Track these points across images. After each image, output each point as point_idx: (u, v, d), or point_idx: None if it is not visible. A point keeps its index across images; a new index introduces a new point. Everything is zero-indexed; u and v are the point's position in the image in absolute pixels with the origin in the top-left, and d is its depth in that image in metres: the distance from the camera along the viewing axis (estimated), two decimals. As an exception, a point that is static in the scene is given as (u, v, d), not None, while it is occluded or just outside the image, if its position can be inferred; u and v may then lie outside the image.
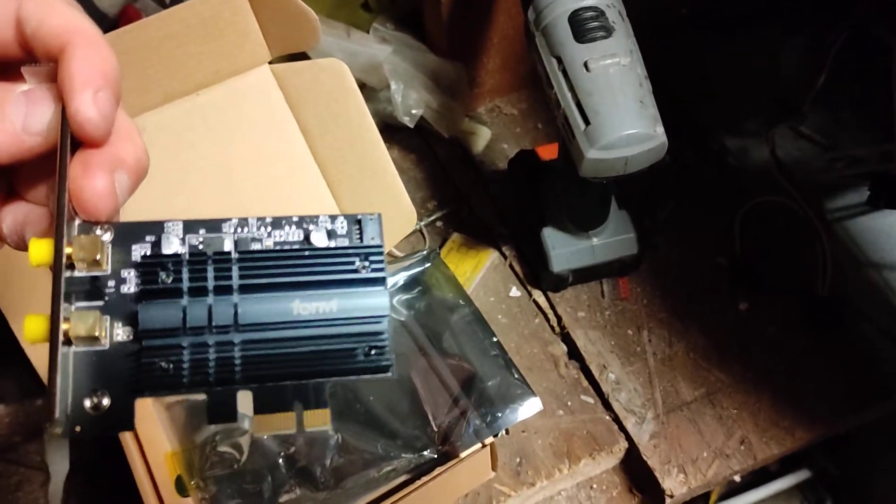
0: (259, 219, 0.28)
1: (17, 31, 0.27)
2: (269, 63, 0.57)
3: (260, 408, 0.26)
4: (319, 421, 0.27)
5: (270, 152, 0.58)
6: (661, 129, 0.52)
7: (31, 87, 0.27)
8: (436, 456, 0.52)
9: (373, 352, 0.27)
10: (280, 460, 0.53)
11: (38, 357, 0.53)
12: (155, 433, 0.54)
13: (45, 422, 0.24)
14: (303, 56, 0.63)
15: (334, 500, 0.51)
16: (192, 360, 0.25)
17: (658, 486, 0.61)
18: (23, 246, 0.29)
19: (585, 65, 0.52)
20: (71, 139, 0.27)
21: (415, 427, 0.54)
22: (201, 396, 0.26)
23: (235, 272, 0.26)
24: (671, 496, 0.61)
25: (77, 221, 0.26)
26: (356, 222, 0.28)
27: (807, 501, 0.91)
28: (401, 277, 0.61)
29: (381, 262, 0.28)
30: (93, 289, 0.26)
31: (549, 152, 0.72)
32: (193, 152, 0.56)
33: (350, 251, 0.28)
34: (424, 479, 0.52)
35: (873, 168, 0.72)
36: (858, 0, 0.75)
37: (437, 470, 0.52)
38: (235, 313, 0.26)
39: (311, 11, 0.54)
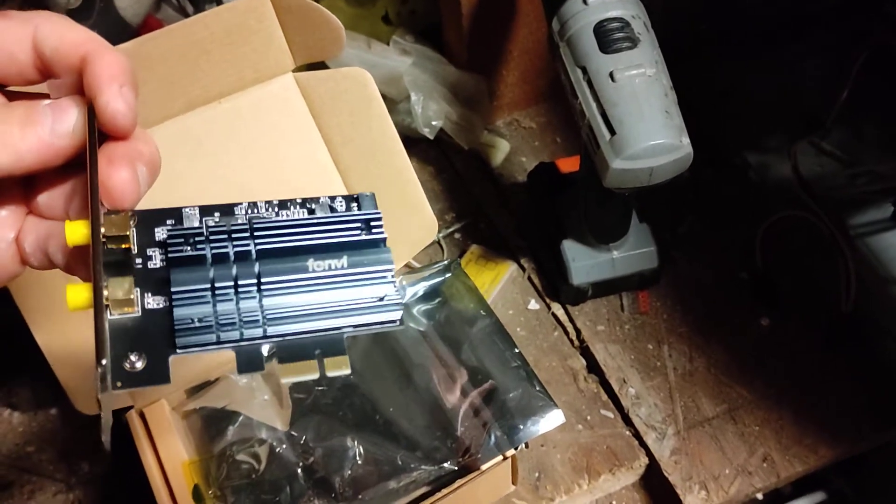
0: (267, 202, 0.31)
1: (35, 54, 0.30)
2: (293, 72, 0.57)
3: (284, 357, 0.29)
4: (339, 366, 0.29)
5: (293, 161, 0.57)
6: (686, 140, 0.51)
7: (55, 101, 0.30)
8: (456, 468, 0.51)
9: (383, 303, 0.30)
10: (299, 471, 0.52)
11: (60, 365, 0.53)
12: (172, 442, 0.54)
13: (98, 385, 0.26)
14: (324, 67, 0.63)
15: (353, 511, 0.50)
16: (221, 321, 0.28)
17: (679, 502, 0.60)
18: (46, 264, 0.32)
19: (611, 75, 0.52)
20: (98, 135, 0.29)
21: (435, 438, 0.53)
22: (229, 354, 0.28)
23: (252, 241, 0.29)
24: (693, 513, 0.60)
25: (103, 210, 0.29)
26: (354, 199, 0.32)
27: (821, 524, 0.89)
28: (421, 287, 0.61)
29: (380, 227, 0.31)
30: (123, 263, 0.28)
31: (569, 165, 0.71)
32: (215, 160, 0.56)
33: (352, 218, 0.31)
34: (444, 491, 0.51)
35: (896, 184, 0.71)
36: (882, 16, 0.74)
37: (457, 482, 0.51)
38: (258, 274, 0.29)
39: (336, 20, 0.54)
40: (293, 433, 0.54)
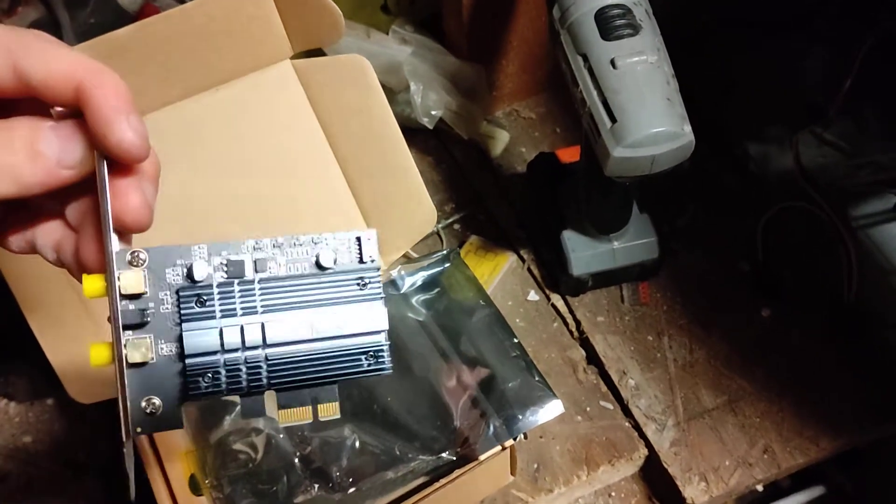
0: (273, 242, 0.32)
1: (19, 84, 0.28)
2: (291, 59, 0.57)
3: (282, 404, 0.32)
4: (331, 412, 0.32)
5: (290, 148, 0.57)
6: (688, 128, 0.51)
7: (57, 123, 0.29)
8: (454, 458, 0.51)
9: (374, 359, 0.32)
10: (296, 461, 0.52)
11: (54, 352, 0.53)
12: (169, 432, 0.53)
13: (121, 434, 0.29)
14: (323, 55, 0.63)
15: (350, 501, 0.50)
16: (228, 374, 0.30)
17: (679, 494, 0.60)
18: (27, 251, 0.32)
19: (612, 62, 0.51)
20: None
21: (433, 429, 0.53)
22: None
23: (258, 296, 0.31)
24: (692, 505, 0.59)
25: (117, 248, 0.30)
26: (356, 240, 0.33)
27: (821, 519, 0.89)
28: (419, 277, 0.60)
29: (377, 281, 0.33)
30: (140, 316, 0.30)
31: (569, 155, 0.71)
32: (213, 148, 0.56)
33: (352, 273, 0.32)
34: (442, 481, 0.51)
35: (899, 175, 0.71)
36: (886, 5, 0.74)
37: (456, 473, 0.51)
38: (263, 333, 0.31)
39: (334, 6, 0.53)
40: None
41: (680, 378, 0.65)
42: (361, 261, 0.33)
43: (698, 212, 0.75)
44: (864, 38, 0.72)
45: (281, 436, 0.53)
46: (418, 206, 0.59)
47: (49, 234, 0.32)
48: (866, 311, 0.67)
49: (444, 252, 0.62)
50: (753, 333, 0.67)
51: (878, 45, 0.72)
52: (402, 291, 0.60)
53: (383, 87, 0.57)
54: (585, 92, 0.52)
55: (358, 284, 0.32)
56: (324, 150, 0.57)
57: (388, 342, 0.32)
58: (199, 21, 0.53)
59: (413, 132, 0.78)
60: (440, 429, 0.53)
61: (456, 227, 0.76)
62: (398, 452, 0.52)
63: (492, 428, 0.52)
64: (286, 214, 0.57)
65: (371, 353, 0.32)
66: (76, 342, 0.53)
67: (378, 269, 0.33)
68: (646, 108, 0.50)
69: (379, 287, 0.33)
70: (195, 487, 0.51)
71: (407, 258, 0.63)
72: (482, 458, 0.51)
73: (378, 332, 0.32)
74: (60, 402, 0.66)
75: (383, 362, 0.32)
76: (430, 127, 0.76)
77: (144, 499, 0.51)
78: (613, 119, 0.51)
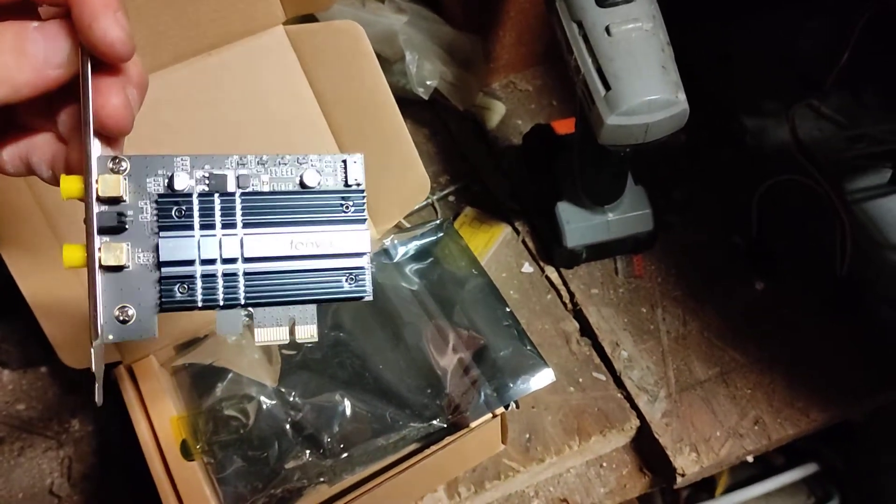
0: (257, 158, 0.32)
1: None
2: (284, 24, 0.56)
3: (260, 322, 0.31)
4: (308, 334, 0.32)
5: (283, 115, 0.57)
6: (682, 96, 0.51)
7: (43, 24, 0.29)
8: (445, 426, 0.51)
9: (354, 281, 0.32)
10: (287, 427, 0.52)
11: (46, 318, 0.52)
12: (160, 397, 0.53)
13: (92, 335, 0.29)
14: (316, 20, 0.62)
15: (341, 467, 0.50)
16: (205, 286, 0.30)
17: (670, 464, 0.60)
18: (24, 172, 0.32)
19: (607, 29, 0.51)
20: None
21: (424, 396, 0.53)
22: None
23: (239, 211, 0.31)
24: (682, 475, 0.60)
25: (97, 153, 0.29)
26: (342, 162, 0.32)
27: (813, 495, 0.89)
28: (412, 247, 0.60)
29: (362, 203, 0.32)
30: (116, 219, 0.30)
31: (564, 126, 0.70)
32: (204, 113, 0.55)
33: (336, 194, 0.32)
34: (433, 448, 0.51)
35: (895, 148, 0.71)
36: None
37: (447, 440, 0.51)
38: (241, 247, 0.31)
39: (328, -30, 0.53)
40: (282, 389, 0.53)
41: (672, 350, 0.65)
42: (346, 184, 0.32)
43: (693, 185, 0.75)
44: (862, 10, 0.71)
45: (273, 402, 0.53)
46: (412, 175, 0.59)
47: (43, 149, 0.32)
48: (860, 285, 0.67)
49: (438, 222, 0.62)
50: (746, 306, 0.67)
51: (875, 18, 0.71)
52: (394, 260, 0.60)
53: (378, 56, 0.57)
54: (580, 59, 0.52)
55: (342, 206, 0.32)
56: (316, 117, 0.57)
57: (370, 266, 0.32)
58: (191, -16, 0.52)
59: (408, 103, 0.77)
60: (431, 396, 0.53)
61: (451, 198, 0.76)
62: (389, 419, 0.52)
63: (483, 396, 0.52)
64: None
65: (351, 276, 0.32)
66: (68, 308, 0.52)
67: (363, 193, 0.32)
68: (640, 76, 0.50)
69: (363, 210, 0.32)
70: (187, 453, 0.51)
71: (399, 228, 0.63)
72: (473, 425, 0.51)
73: (359, 255, 0.32)
74: (54, 370, 0.66)
75: (363, 286, 0.32)
76: (426, 98, 0.75)
77: (136, 464, 0.52)
78: (608, 87, 0.50)
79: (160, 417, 0.52)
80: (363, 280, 0.32)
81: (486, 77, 0.82)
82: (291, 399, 0.53)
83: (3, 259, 0.52)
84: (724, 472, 0.84)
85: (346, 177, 0.32)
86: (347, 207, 0.32)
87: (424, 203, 0.75)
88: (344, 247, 0.32)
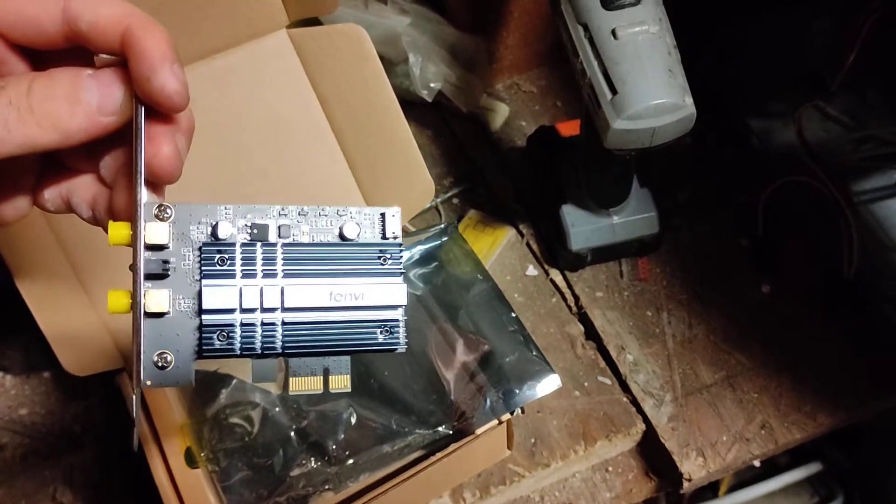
0: (299, 210, 0.32)
1: (68, 28, 0.29)
2: (287, 28, 0.56)
3: (295, 372, 0.32)
4: (342, 384, 0.32)
5: (286, 119, 0.56)
6: (689, 100, 0.50)
7: (97, 71, 0.29)
8: (451, 432, 0.51)
9: (389, 333, 0.33)
10: (292, 434, 0.52)
11: (49, 325, 0.52)
12: (165, 404, 0.53)
13: (135, 382, 0.29)
14: (320, 24, 0.62)
15: (346, 474, 0.49)
16: (244, 334, 0.31)
17: (676, 469, 0.60)
18: (63, 210, 0.33)
19: (613, 32, 0.50)
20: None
21: (430, 402, 0.53)
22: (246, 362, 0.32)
23: (279, 261, 0.31)
24: (689, 479, 0.59)
25: (145, 200, 0.30)
26: (380, 215, 0.33)
27: (817, 494, 0.89)
28: (417, 251, 0.60)
29: (399, 256, 0.33)
30: (160, 266, 0.30)
31: (569, 128, 0.70)
32: (208, 118, 0.55)
33: (374, 246, 0.33)
34: (439, 455, 0.50)
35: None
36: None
37: (452, 446, 0.51)
38: (282, 296, 0.31)
39: (331, -27, 0.53)
40: (286, 396, 0.53)
41: (678, 353, 0.65)
42: (384, 236, 0.33)
43: (699, 186, 0.74)
44: (868, 11, 0.71)
45: (277, 409, 0.53)
46: (416, 178, 0.58)
47: (84, 190, 0.33)
48: (866, 287, 0.67)
49: (442, 226, 0.61)
50: (753, 309, 0.67)
51: (882, 18, 0.71)
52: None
53: (382, 58, 0.56)
54: (586, 63, 0.51)
55: (379, 258, 0.33)
56: (320, 121, 0.57)
57: (405, 318, 0.33)
58: (193, -12, 0.52)
59: (412, 105, 0.77)
60: (437, 403, 0.53)
61: (455, 201, 0.76)
62: (395, 426, 0.52)
63: (488, 402, 0.51)
64: (282, 186, 0.56)
65: (386, 328, 0.32)
66: (70, 315, 0.52)
67: (400, 246, 0.33)
68: (646, 80, 0.49)
69: (400, 263, 0.33)
70: (191, 460, 0.50)
71: (404, 232, 0.63)
72: (479, 431, 0.51)
73: (395, 308, 0.33)
74: (56, 376, 0.66)
75: (397, 338, 0.33)
76: (429, 100, 0.75)
77: (141, 472, 0.51)
78: (614, 90, 0.50)
79: (165, 425, 0.52)
80: (397, 332, 0.33)
81: (489, 78, 0.81)
82: (296, 406, 0.53)
83: (6, 265, 0.52)
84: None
85: (383, 229, 0.33)
86: (385, 260, 0.33)
87: (428, 205, 0.74)
88: (380, 299, 0.32)
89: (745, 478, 0.87)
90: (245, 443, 0.51)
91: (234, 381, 0.54)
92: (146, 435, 0.52)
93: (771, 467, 0.87)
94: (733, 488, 0.86)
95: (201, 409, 0.53)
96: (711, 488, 0.85)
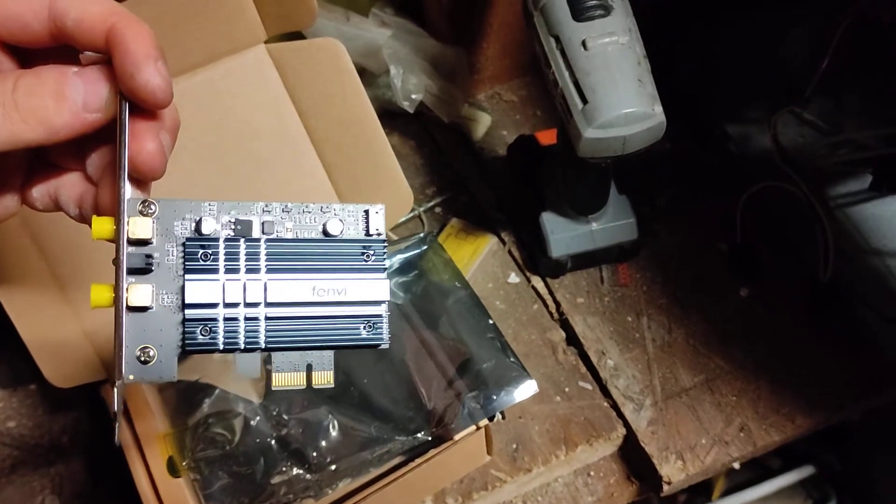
0: (282, 207, 0.33)
1: (54, 24, 0.30)
2: (266, 42, 0.57)
3: (277, 367, 0.32)
4: (325, 380, 0.33)
5: (266, 133, 0.57)
6: (659, 108, 0.51)
7: (83, 69, 0.30)
8: (430, 438, 0.51)
9: (372, 329, 0.33)
10: (273, 442, 0.52)
11: (32, 337, 0.53)
12: (147, 414, 0.54)
13: (116, 375, 0.30)
14: (300, 37, 0.63)
15: (327, 481, 0.50)
16: (227, 329, 0.31)
17: (656, 472, 0.60)
18: (52, 208, 0.34)
19: (583, 43, 0.51)
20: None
21: (409, 409, 0.53)
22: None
23: (263, 256, 0.32)
24: (669, 483, 0.60)
25: (129, 195, 0.30)
26: (364, 212, 0.33)
27: (810, 497, 0.90)
28: (397, 260, 0.61)
29: (383, 253, 0.33)
30: (143, 261, 0.30)
31: (548, 137, 0.71)
32: (187, 133, 0.55)
33: (357, 243, 0.33)
34: (418, 461, 0.51)
35: (876, 153, 0.71)
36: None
37: (431, 452, 0.51)
38: (265, 291, 0.31)
39: (307, -11, 0.53)
40: (267, 405, 0.54)
41: (658, 358, 0.66)
42: (368, 233, 0.33)
43: (677, 192, 0.75)
44: (842, 17, 0.72)
45: (258, 418, 0.53)
46: (395, 190, 0.59)
47: (71, 188, 0.33)
48: (843, 290, 0.67)
49: (421, 235, 0.62)
50: (731, 313, 0.68)
51: (855, 24, 0.72)
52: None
53: (363, 70, 0.57)
54: (558, 73, 0.52)
55: (363, 255, 0.33)
56: (300, 135, 0.58)
57: (388, 313, 0.33)
58: (172, 5, 0.53)
59: (394, 116, 0.78)
60: (416, 410, 0.53)
61: (437, 210, 0.77)
62: (375, 433, 0.52)
63: (466, 408, 0.52)
64: (262, 199, 0.57)
65: (369, 323, 0.33)
66: (52, 326, 0.53)
67: (384, 243, 0.33)
68: (616, 89, 0.50)
69: (383, 259, 0.33)
70: (173, 469, 0.51)
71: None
72: (457, 437, 0.51)
73: (378, 303, 0.33)
74: (43, 388, 0.66)
75: (381, 333, 0.33)
76: (411, 111, 0.76)
77: (124, 481, 0.52)
78: (585, 100, 0.51)
79: (147, 434, 0.53)
80: (381, 328, 0.33)
81: (471, 89, 0.82)
82: (276, 414, 0.53)
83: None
84: (721, 476, 0.85)
85: (367, 226, 0.33)
86: (368, 256, 0.33)
87: (411, 215, 0.75)
88: (363, 295, 0.33)
89: (738, 482, 0.87)
90: (226, 451, 0.52)
91: (217, 391, 0.55)
92: (129, 444, 0.52)
93: (764, 471, 0.87)
94: (726, 492, 0.86)
95: (184, 419, 0.54)
96: (705, 493, 0.86)
